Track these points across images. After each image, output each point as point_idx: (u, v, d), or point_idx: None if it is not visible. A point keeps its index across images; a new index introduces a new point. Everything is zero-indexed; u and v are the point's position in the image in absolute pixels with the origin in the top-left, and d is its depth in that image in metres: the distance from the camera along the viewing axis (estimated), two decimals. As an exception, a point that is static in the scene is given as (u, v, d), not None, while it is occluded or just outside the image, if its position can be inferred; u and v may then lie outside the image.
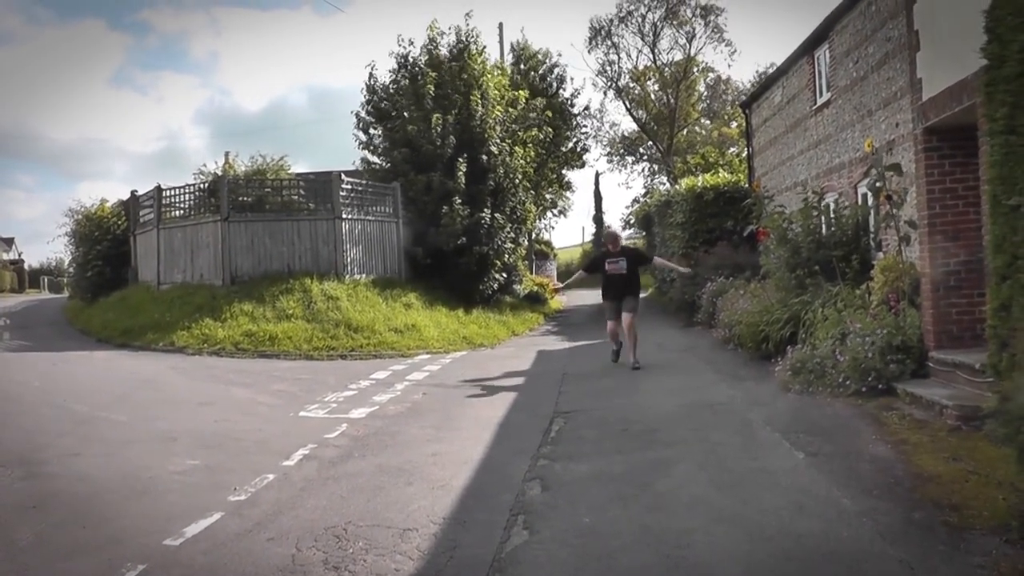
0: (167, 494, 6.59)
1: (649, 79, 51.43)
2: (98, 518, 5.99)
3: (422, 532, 5.49)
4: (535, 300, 30.23)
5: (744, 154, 30.46)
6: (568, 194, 43.92)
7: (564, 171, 40.38)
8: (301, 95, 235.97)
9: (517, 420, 9.42)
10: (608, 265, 13.39)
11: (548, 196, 39.25)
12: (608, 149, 55.49)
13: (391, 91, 25.61)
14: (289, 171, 24.48)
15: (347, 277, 20.71)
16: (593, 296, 43.43)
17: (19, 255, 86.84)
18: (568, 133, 38.17)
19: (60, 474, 7.24)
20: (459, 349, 18.06)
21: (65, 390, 12.13)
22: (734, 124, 49.80)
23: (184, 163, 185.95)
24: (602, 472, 6.84)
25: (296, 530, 5.62)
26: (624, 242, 14.54)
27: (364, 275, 21.46)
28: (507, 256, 25.31)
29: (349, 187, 21.99)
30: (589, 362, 14.45)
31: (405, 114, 24.33)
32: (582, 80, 77.85)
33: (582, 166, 41.98)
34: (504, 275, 25.58)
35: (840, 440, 7.42)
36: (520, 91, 27.15)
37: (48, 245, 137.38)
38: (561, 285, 13.44)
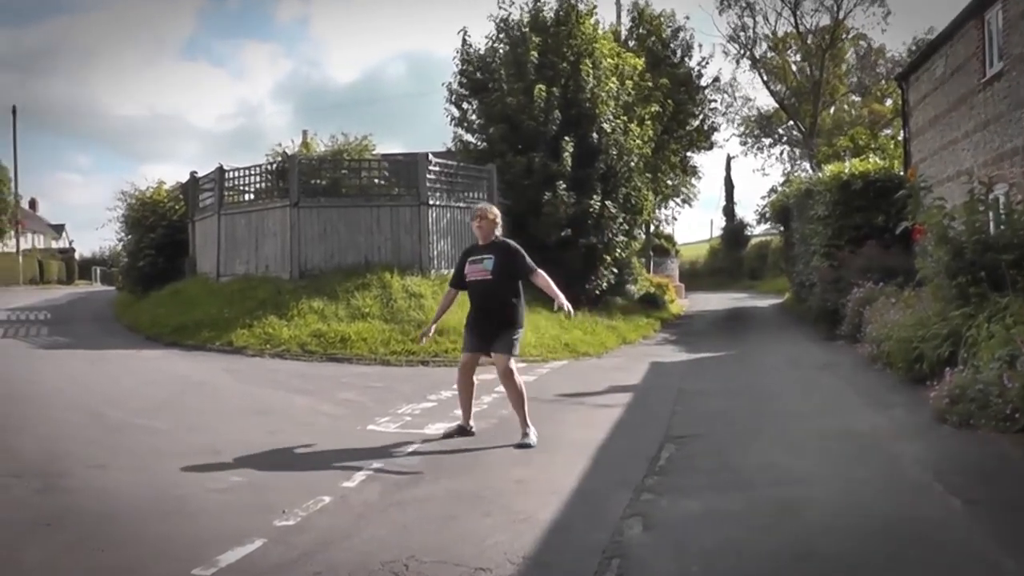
0: (202, 515, 6.51)
1: (789, 47, 50.36)
2: (119, 540, 5.92)
3: (496, 574, 5.26)
4: (651, 303, 29.97)
5: (900, 136, 29.52)
6: (693, 181, 43.39)
7: (688, 153, 39.87)
8: (399, 65, 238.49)
9: (620, 445, 9.17)
10: (468, 266, 9.70)
11: (669, 182, 38.75)
12: (741, 129, 54.64)
13: (487, 60, 25.57)
14: (373, 152, 24.59)
15: (432, 272, 20.73)
16: (720, 300, 43.14)
17: (70, 243, 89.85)
18: (694, 109, 37.67)
19: (81, 488, 7.24)
20: (559, 358, 17.88)
21: (100, 393, 12.29)
22: (888, 101, 48.51)
23: (261, 143, 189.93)
24: (717, 511, 6.53)
25: (348, 564, 5.46)
26: (499, 232, 9.80)
27: (452, 270, 21.38)
28: (619, 251, 25.10)
29: (437, 169, 22.03)
30: (710, 378, 14.13)
31: (504, 86, 24.25)
32: (711, 47, 77.31)
33: (710, 148, 41.55)
34: (615, 273, 25.38)
35: (1005, 486, 7.00)
36: (638, 60, 26.83)
37: (98, 231, 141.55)
38: (431, 325, 10.50)
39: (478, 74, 25.84)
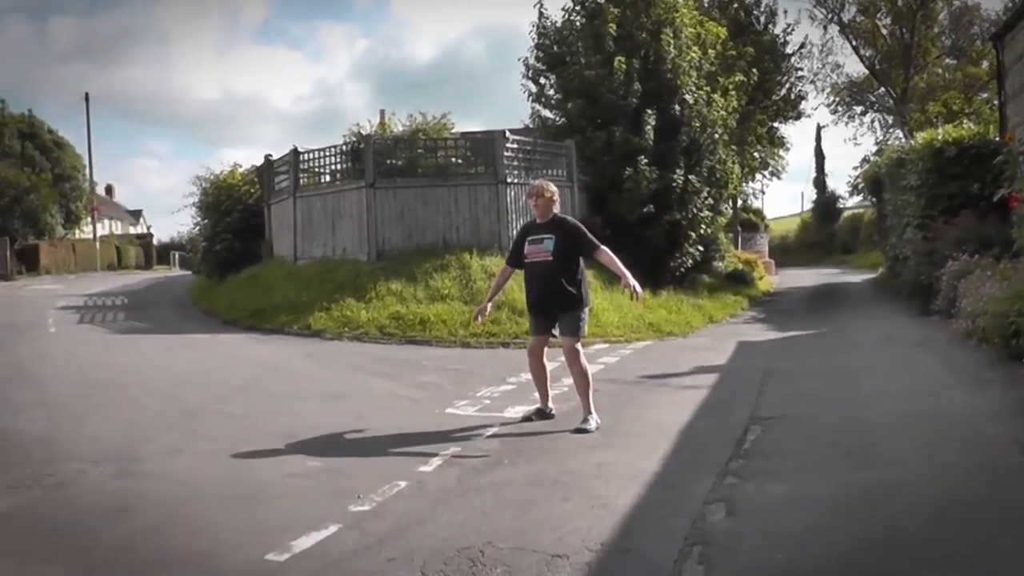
0: (278, 500, 6.63)
1: (880, 9, 49.25)
2: (192, 526, 6.07)
3: (573, 560, 5.28)
4: (739, 280, 29.72)
5: (996, 100, 28.76)
6: (781, 152, 42.65)
7: (775, 124, 39.32)
8: (478, 42, 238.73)
9: (704, 427, 9.12)
10: (527, 246, 9.47)
11: (756, 155, 38.31)
12: (831, 98, 53.59)
13: (564, 33, 25.47)
14: (452, 130, 24.65)
15: (512, 251, 20.71)
16: (811, 276, 42.59)
17: (148, 228, 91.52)
18: (780, 78, 37.13)
19: (156, 473, 7.43)
20: (643, 338, 17.81)
21: (177, 378, 12.59)
22: (984, 63, 47.18)
23: (339, 124, 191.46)
24: (804, 496, 6.47)
25: (424, 550, 5.52)
26: (557, 208, 9.56)
27: (532, 248, 21.40)
28: (704, 227, 24.86)
29: (515, 147, 22.06)
30: (799, 357, 13.98)
31: (582, 59, 24.13)
32: (796, 12, 75.93)
33: (797, 118, 40.82)
34: (700, 249, 25.14)
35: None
36: (720, 28, 26.52)
37: (173, 216, 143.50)
38: (486, 303, 10.14)
39: (555, 48, 25.72)
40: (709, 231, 25.73)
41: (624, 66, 22.95)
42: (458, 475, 7.29)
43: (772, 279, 40.02)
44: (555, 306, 9.24)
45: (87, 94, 60.56)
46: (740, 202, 43.35)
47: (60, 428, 9.36)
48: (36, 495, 6.80)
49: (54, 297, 28.23)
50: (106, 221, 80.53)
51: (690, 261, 24.62)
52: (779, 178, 45.07)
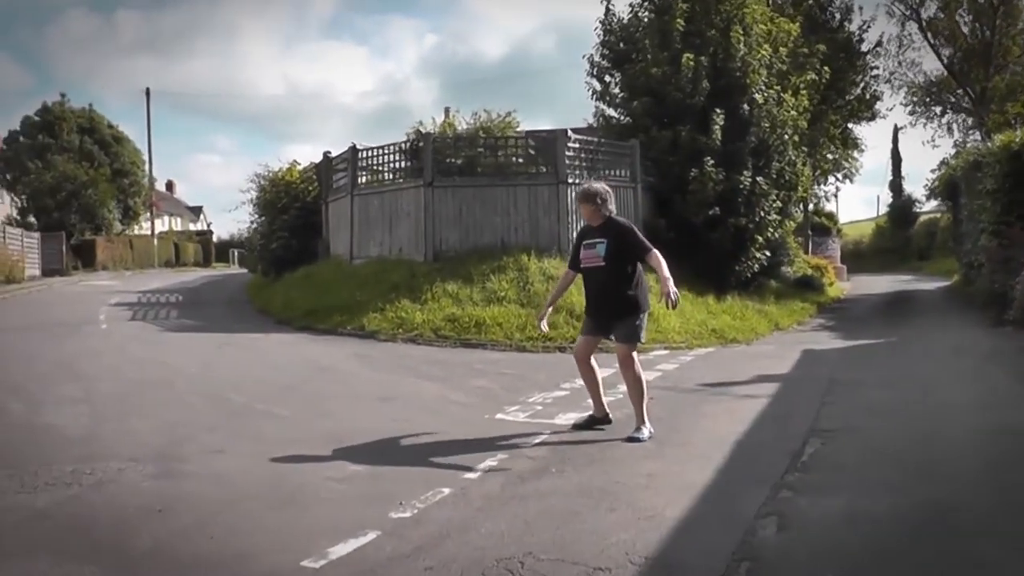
0: (317, 505, 6.65)
1: (960, 6, 48.34)
2: (229, 528, 6.10)
3: (615, 574, 5.24)
4: (808, 286, 29.48)
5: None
6: (855, 154, 42.15)
7: (849, 125, 38.85)
8: (548, 38, 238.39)
9: (761, 438, 9.02)
10: (583, 251, 9.34)
11: (828, 156, 37.88)
12: (908, 98, 52.74)
13: (631, 29, 25.39)
14: (516, 129, 24.65)
15: (572, 253, 20.66)
16: (884, 283, 42.08)
17: (208, 225, 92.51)
18: (854, 77, 36.67)
19: (197, 473, 7.49)
20: (705, 344, 17.71)
21: (225, 377, 12.74)
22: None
23: (405, 121, 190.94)
24: (860, 512, 6.36)
25: (462, 559, 5.50)
26: (613, 213, 9.33)
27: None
28: (772, 230, 24.63)
29: (577, 146, 22.04)
30: (865, 367, 13.82)
31: (648, 56, 24.04)
32: (874, 8, 74.37)
33: (872, 118, 40.32)
34: (767, 254, 24.91)
35: None
36: (792, 25, 26.26)
37: (230, 214, 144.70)
38: (547, 309, 10.16)
39: (621, 44, 25.67)
40: (777, 235, 25.50)
41: (692, 64, 22.82)
42: (503, 483, 7.27)
43: (843, 285, 39.61)
44: (611, 312, 9.15)
45: (148, 89, 61.60)
46: (811, 205, 42.90)
47: (102, 425, 9.48)
48: (74, 493, 6.88)
49: (108, 293, 28.67)
50: (165, 217, 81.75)
51: (756, 266, 24.41)
52: (851, 181, 44.36)
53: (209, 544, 5.78)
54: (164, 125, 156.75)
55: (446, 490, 6.97)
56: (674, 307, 9.18)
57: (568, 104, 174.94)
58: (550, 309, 10.15)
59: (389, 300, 18.70)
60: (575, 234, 19.95)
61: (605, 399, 9.54)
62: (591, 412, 9.57)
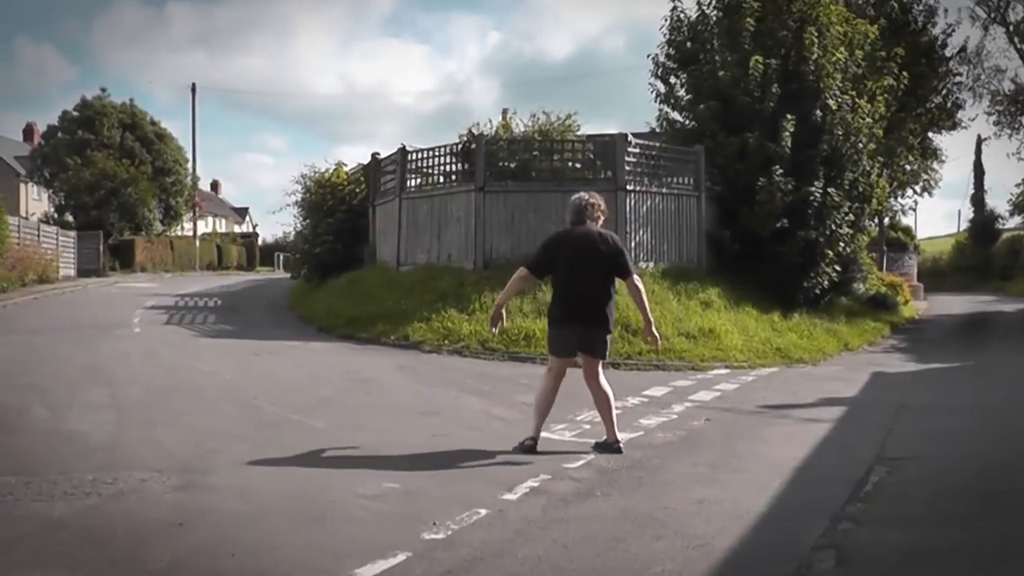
0: (347, 523, 6.63)
1: (1050, 7, 47.52)
2: (252, 545, 6.08)
3: (658, 607, 5.18)
4: (881, 305, 29.11)
5: None
6: (935, 165, 41.64)
7: (929, 134, 38.32)
8: (617, 37, 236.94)
9: (822, 464, 8.92)
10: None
11: (906, 167, 37.42)
12: (992, 107, 51.95)
13: (699, 28, 25.26)
14: (577, 132, 24.61)
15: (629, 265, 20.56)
16: (962, 303, 41.57)
17: (254, 227, 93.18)
18: (936, 83, 36.18)
19: (222, 486, 7.50)
20: (768, 364, 17.56)
21: (259, 386, 12.76)
22: None
23: (465, 122, 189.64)
24: (925, 547, 6.26)
25: (495, 586, 5.46)
26: (599, 224, 9.79)
27: (652, 263, 21.33)
28: (843, 245, 24.37)
29: (638, 151, 21.91)
30: (938, 392, 13.68)
31: (716, 57, 23.94)
32: (957, 12, 73.42)
33: (953, 128, 39.73)
34: (838, 269, 24.63)
35: None
36: (870, 27, 25.99)
37: (274, 216, 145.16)
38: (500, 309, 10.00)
39: (688, 44, 25.54)
40: (849, 250, 25.19)
41: (762, 66, 22.66)
42: (544, 505, 7.21)
43: (918, 305, 39.13)
44: (589, 323, 9.39)
45: (193, 84, 62.41)
46: (886, 219, 42.45)
47: (127, 433, 9.56)
48: (92, 503, 6.91)
49: (144, 295, 29.00)
50: (209, 218, 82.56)
51: (826, 282, 24.12)
52: (930, 194, 43.57)
53: (230, 562, 5.77)
54: (213, 123, 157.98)
55: (483, 511, 6.92)
56: (657, 346, 9.62)
57: (636, 108, 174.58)
58: (503, 311, 10.07)
59: (435, 309, 18.72)
60: (633, 243, 20.16)
61: (655, 420, 9.52)
62: (606, 437, 9.42)
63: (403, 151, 23.84)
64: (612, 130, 21.79)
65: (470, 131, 23.22)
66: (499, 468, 8.43)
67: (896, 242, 51.46)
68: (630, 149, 21.59)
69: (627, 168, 21.30)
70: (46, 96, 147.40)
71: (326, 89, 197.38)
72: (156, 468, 7.87)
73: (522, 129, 24.22)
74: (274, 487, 7.54)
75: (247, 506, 6.98)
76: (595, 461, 8.78)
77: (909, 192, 42.09)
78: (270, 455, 8.62)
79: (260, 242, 76.58)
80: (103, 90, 61.17)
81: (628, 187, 21.07)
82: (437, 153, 23.59)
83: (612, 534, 6.48)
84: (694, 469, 8.58)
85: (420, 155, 23.89)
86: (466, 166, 22.52)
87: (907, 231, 58.99)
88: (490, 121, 24.68)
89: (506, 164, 22.12)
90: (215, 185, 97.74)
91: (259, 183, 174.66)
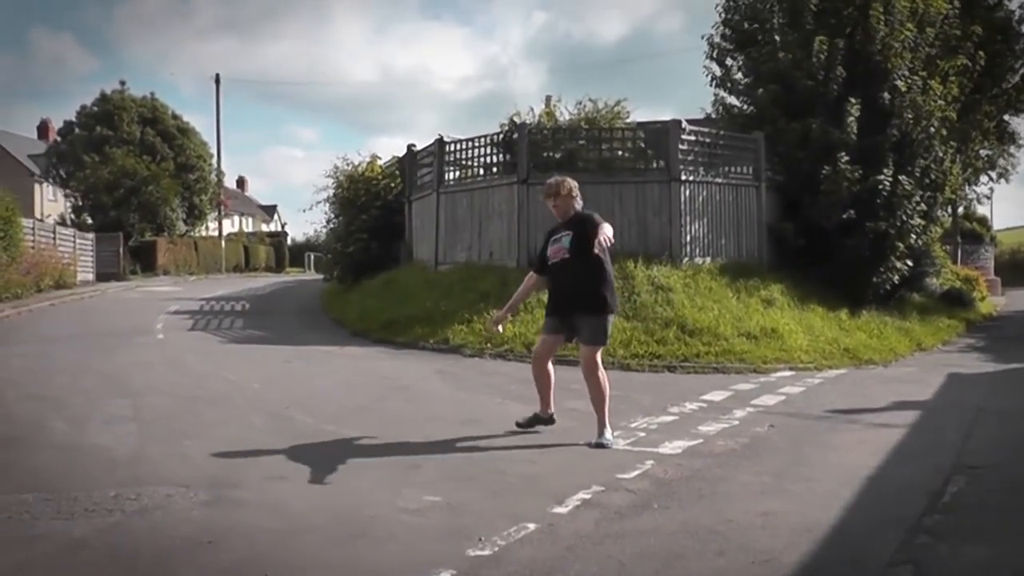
0: (387, 540, 6.62)
1: None
2: (286, 565, 6.09)
3: (722, 628, 5.15)
4: (956, 301, 28.94)
5: None
6: (1012, 150, 41.17)
7: (1006, 117, 37.88)
8: (673, 17, 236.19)
9: (896, 474, 8.82)
10: (550, 247, 10.13)
11: (981, 153, 37.05)
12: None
13: (757, 6, 25.11)
14: (627, 119, 24.54)
15: (684, 260, 20.64)
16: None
17: (282, 226, 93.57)
18: (1013, 62, 35.74)
19: (253, 502, 7.51)
20: (836, 365, 17.46)
21: (290, 395, 12.83)
22: None
23: (507, 110, 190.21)
24: (1010, 562, 6.19)
25: (545, 605, 5.45)
26: (580, 207, 10.13)
27: (708, 258, 21.27)
28: (915, 237, 24.15)
29: (692, 139, 21.89)
30: (1019, 393, 13.53)
31: (776, 37, 23.78)
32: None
33: (1032, 109, 39.32)
34: (910, 264, 24.40)
35: None
36: (943, 2, 25.73)
37: (304, 214, 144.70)
38: (505, 311, 11.20)
39: (745, 24, 25.42)
40: (921, 242, 24.98)
41: (825, 47, 22.50)
42: (597, 519, 7.18)
43: (996, 300, 38.87)
44: (577, 309, 9.84)
45: (218, 75, 62.70)
46: (961, 208, 42.08)
47: (151, 446, 9.59)
48: (115, 520, 6.93)
49: (167, 300, 29.30)
50: (235, 217, 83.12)
51: (897, 277, 23.91)
52: (1008, 181, 43.08)
53: (279, 584, 5.79)
54: (240, 115, 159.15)
55: (532, 526, 6.90)
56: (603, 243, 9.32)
57: (694, 93, 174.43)
58: (509, 314, 10.99)
59: (477, 311, 18.75)
60: (689, 238, 20.16)
61: (715, 427, 9.53)
62: (536, 411, 10.31)
63: (440, 142, 23.88)
64: (668, 117, 21.70)
65: (511, 120, 23.20)
66: (548, 480, 8.39)
67: (971, 233, 51.10)
68: (684, 136, 21.52)
69: (681, 156, 21.24)
70: (64, 90, 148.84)
71: (361, 76, 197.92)
72: (182, 483, 7.90)
73: (567, 117, 24.18)
74: (308, 502, 7.55)
75: (280, 522, 6.99)
76: (651, 471, 8.74)
77: (985, 179, 41.73)
78: (304, 468, 8.64)
79: (289, 241, 76.97)
80: (122, 83, 61.97)
81: (682, 177, 21.04)
82: (477, 144, 23.63)
83: (671, 550, 6.45)
84: (758, 479, 8.52)
85: (459, 146, 23.94)
86: (508, 157, 22.53)
87: (983, 221, 58.56)
88: (532, 109, 24.61)
89: (551, 155, 22.11)
90: (241, 182, 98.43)
91: (289, 179, 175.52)
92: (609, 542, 6.61)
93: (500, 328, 11.12)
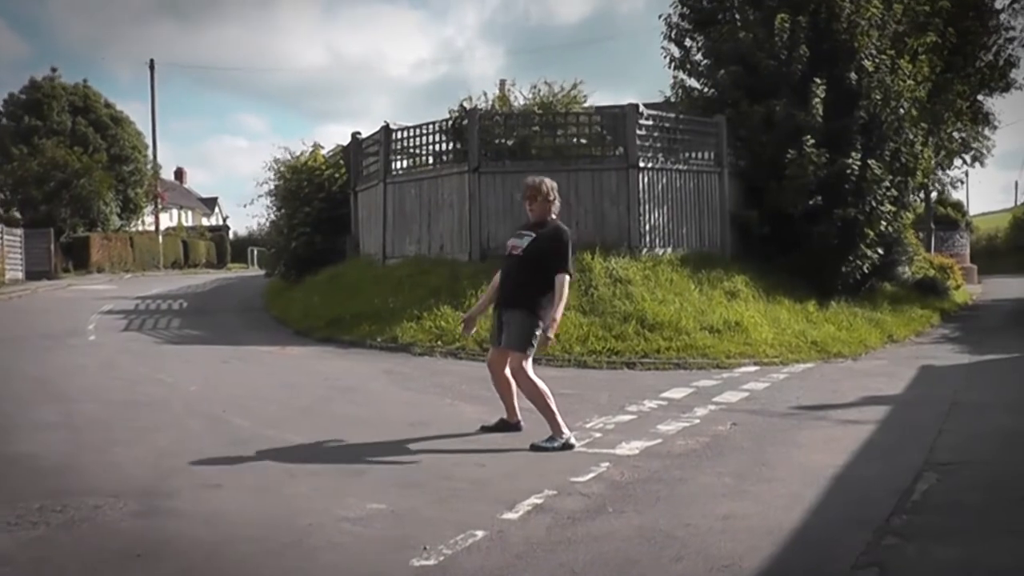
0: (326, 550, 6.58)
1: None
2: (218, 578, 6.04)
3: (677, 638, 5.14)
4: (930, 290, 29.17)
5: None
6: (987, 132, 41.48)
7: (979, 97, 38.10)
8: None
9: (863, 472, 8.86)
10: (510, 240, 10.51)
11: (954, 134, 37.26)
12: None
13: (718, -16, 25.21)
14: (583, 103, 24.54)
15: (644, 251, 20.68)
16: (1020, 286, 41.49)
17: (224, 220, 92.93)
18: (985, 40, 35.98)
19: (186, 512, 7.43)
20: (803, 359, 17.57)
21: (229, 398, 12.73)
22: None
23: (464, 95, 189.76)
24: (980, 563, 6.23)
25: (493, 617, 5.43)
26: (556, 216, 10.42)
27: (669, 249, 21.32)
28: (885, 223, 24.29)
29: (651, 123, 21.88)
30: (995, 387, 13.64)
31: (736, 16, 23.89)
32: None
33: (1006, 89, 39.44)
34: (880, 252, 24.59)
35: None
36: (909, -25, 25.90)
37: (245, 209, 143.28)
38: (476, 312, 11.24)
39: (704, 2, 25.50)
40: (892, 229, 25.12)
41: (788, 25, 22.60)
42: (548, 524, 7.16)
43: (972, 289, 39.25)
44: (508, 305, 10.05)
45: (152, 61, 62.30)
46: (934, 193, 42.36)
47: (80, 454, 9.48)
48: (39, 534, 6.84)
49: (101, 299, 29.03)
50: (173, 211, 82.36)
51: (867, 265, 24.05)
52: (983, 164, 43.35)
53: (192, 597, 5.74)
54: (181, 104, 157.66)
55: (480, 533, 6.88)
56: (546, 343, 9.90)
57: (659, 76, 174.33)
58: (480, 314, 11.02)
59: (427, 307, 18.74)
60: (648, 227, 20.20)
61: (674, 425, 9.50)
62: (503, 416, 10.52)
63: (386, 129, 23.79)
64: (632, 101, 21.61)
65: (461, 105, 23.15)
66: (499, 484, 8.37)
67: (945, 219, 51.49)
68: (642, 121, 21.53)
69: (639, 142, 21.24)
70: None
71: (310, 61, 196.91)
72: (112, 493, 7.80)
73: (522, 102, 24.17)
74: (245, 511, 7.48)
75: (214, 533, 6.92)
76: (607, 473, 8.73)
77: (958, 163, 42.04)
78: (242, 475, 8.58)
79: (232, 236, 76.54)
80: (54, 70, 61.10)
81: (640, 164, 21.03)
82: (425, 131, 23.55)
83: (626, 556, 6.44)
84: (719, 480, 8.53)
85: (406, 134, 23.87)
86: (458, 145, 22.49)
87: (957, 206, 59.00)
88: (485, 95, 24.61)
89: (503, 141, 22.09)
90: (180, 173, 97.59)
91: (233, 170, 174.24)
92: (561, 549, 6.59)
93: (472, 330, 11.12)
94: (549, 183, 10.20)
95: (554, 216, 10.23)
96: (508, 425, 10.48)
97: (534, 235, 10.00)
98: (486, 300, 10.90)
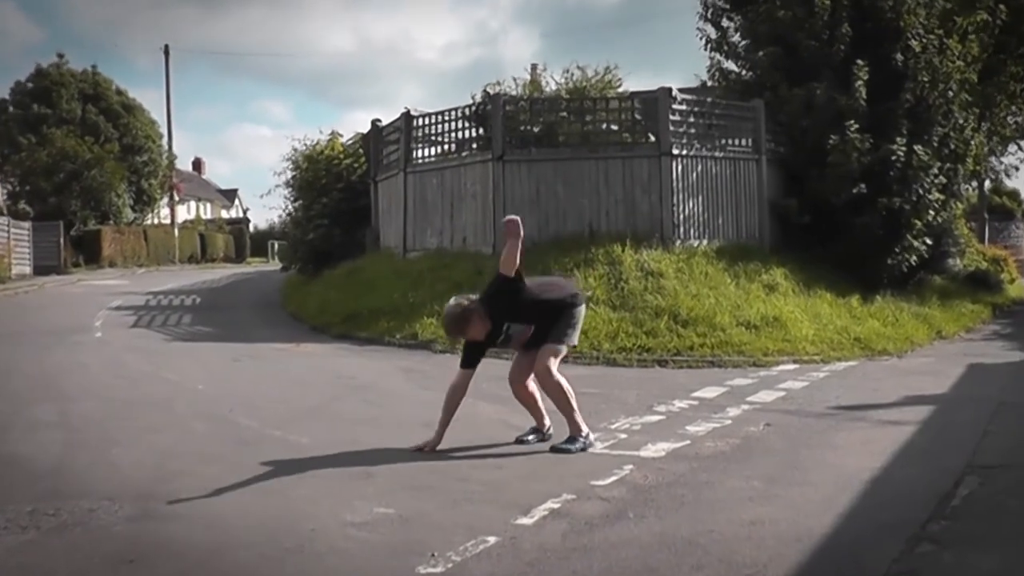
0: (329, 556, 6.56)
1: None
2: (214, 588, 6.03)
3: (694, 652, 5.09)
4: (982, 283, 28.92)
5: None
6: (1045, 117, 41.16)
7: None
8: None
9: (901, 475, 8.78)
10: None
11: (1007, 119, 36.98)
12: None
13: (758, -39, 25.07)
14: (618, 88, 24.46)
15: (677, 243, 20.56)
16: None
17: (244, 212, 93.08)
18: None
19: (184, 516, 7.43)
20: (846, 357, 17.43)
21: (237, 397, 12.77)
22: None
23: (499, 78, 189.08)
24: (1019, 573, 6.16)
25: (500, 628, 5.39)
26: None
27: (704, 240, 21.21)
28: (934, 213, 24.08)
29: (684, 108, 21.75)
30: (1047, 386, 13.50)
31: (777, -5, 23.74)
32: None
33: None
34: (928, 243, 24.35)
35: None
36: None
37: (262, 199, 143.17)
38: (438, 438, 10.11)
39: (742, -21, 25.40)
40: (941, 219, 24.91)
41: (829, 3, 22.45)
42: (565, 530, 7.12)
43: (1026, 282, 38.97)
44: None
45: (167, 46, 62.48)
46: (987, 182, 42.07)
47: (77, 456, 9.52)
48: (29, 538, 6.86)
49: (111, 295, 29.06)
50: (191, 203, 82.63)
51: (914, 257, 23.85)
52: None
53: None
54: (201, 90, 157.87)
55: (491, 539, 6.84)
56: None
57: (696, 60, 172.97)
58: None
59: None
60: (681, 217, 20.09)
61: (704, 426, 9.44)
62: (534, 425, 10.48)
63: (407, 116, 23.76)
64: (673, 85, 21.45)
65: (485, 91, 23.10)
66: (514, 488, 8.34)
67: (1000, 209, 51.15)
68: (675, 106, 21.41)
69: (672, 128, 21.14)
70: (5, 65, 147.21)
71: (336, 46, 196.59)
72: (107, 496, 7.81)
73: (554, 88, 24.10)
74: (246, 515, 7.48)
75: (211, 538, 6.92)
76: (629, 477, 8.67)
77: (1013, 148, 41.69)
78: (244, 478, 8.55)
79: (252, 229, 76.72)
80: (60, 56, 61.18)
81: (674, 151, 20.92)
82: (447, 118, 23.49)
83: (645, 564, 6.39)
84: (747, 484, 8.46)
85: (427, 120, 23.84)
86: (481, 132, 22.44)
87: (1013, 195, 58.52)
88: (514, 80, 24.55)
89: (529, 128, 22.02)
90: (198, 164, 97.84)
91: (255, 160, 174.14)
92: (575, 556, 6.54)
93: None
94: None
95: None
96: (541, 433, 10.38)
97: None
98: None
